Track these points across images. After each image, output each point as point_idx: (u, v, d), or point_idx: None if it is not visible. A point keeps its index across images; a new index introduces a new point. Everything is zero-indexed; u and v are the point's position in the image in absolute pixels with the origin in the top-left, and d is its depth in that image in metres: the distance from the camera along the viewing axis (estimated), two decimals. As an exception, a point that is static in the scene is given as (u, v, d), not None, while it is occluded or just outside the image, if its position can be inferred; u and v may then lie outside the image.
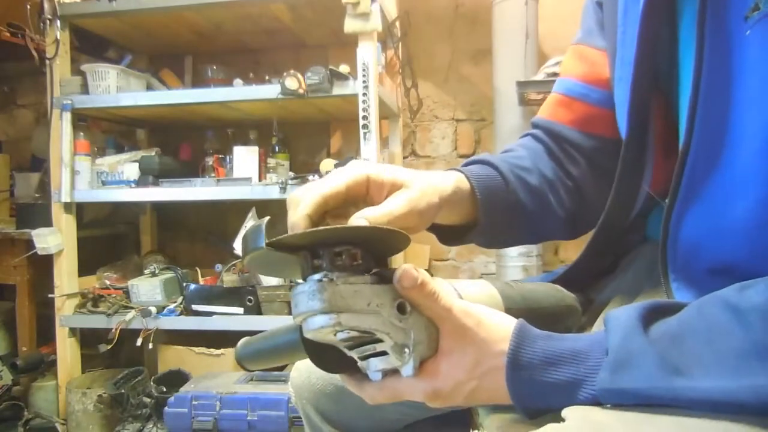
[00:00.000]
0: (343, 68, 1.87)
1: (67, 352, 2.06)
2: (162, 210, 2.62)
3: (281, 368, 1.82)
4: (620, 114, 0.64)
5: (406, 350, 0.46)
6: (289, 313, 1.74)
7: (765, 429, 0.39)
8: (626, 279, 0.67)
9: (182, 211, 2.61)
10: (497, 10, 2.15)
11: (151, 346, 1.98)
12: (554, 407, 0.46)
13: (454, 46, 2.46)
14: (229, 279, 2.00)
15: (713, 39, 0.49)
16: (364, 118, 1.84)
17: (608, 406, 0.43)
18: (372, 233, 0.47)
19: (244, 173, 2.07)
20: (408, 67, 2.40)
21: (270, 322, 1.86)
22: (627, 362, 0.43)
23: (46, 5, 1.98)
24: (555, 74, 1.81)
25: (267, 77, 2.12)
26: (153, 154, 2.17)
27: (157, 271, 2.15)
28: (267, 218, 0.46)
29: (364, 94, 1.83)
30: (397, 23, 2.28)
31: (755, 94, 0.47)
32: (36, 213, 2.13)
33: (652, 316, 0.45)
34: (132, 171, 2.11)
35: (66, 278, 2.05)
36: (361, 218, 0.49)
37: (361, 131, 1.85)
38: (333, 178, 0.51)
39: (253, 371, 1.79)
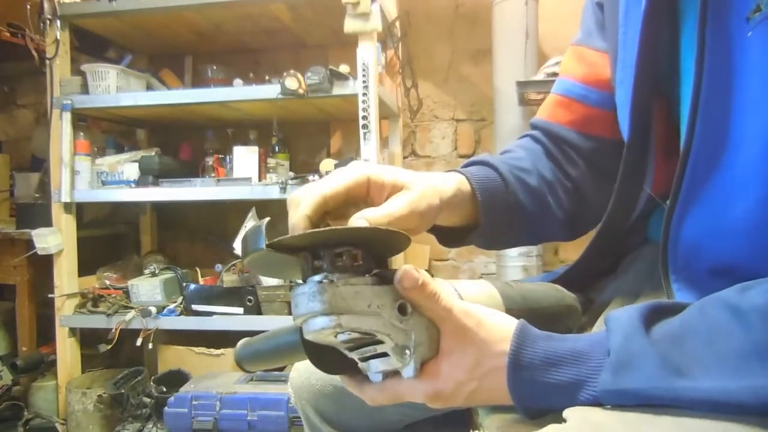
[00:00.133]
0: (343, 68, 1.87)
1: (67, 352, 2.06)
2: (162, 210, 2.62)
3: (281, 368, 1.82)
4: (622, 116, 0.64)
5: (407, 352, 0.46)
6: (289, 313, 1.73)
7: (765, 429, 0.39)
8: (627, 280, 0.67)
9: (182, 211, 2.61)
10: (497, 10, 2.15)
11: (151, 346, 1.98)
12: (555, 408, 0.46)
13: (454, 46, 2.45)
14: (229, 279, 2.00)
15: (714, 40, 0.49)
16: (364, 118, 1.83)
17: (608, 406, 0.43)
18: (372, 234, 0.47)
19: (244, 173, 2.07)
20: (408, 67, 2.40)
21: (270, 322, 1.86)
22: (628, 363, 0.43)
23: (46, 5, 1.98)
24: (555, 74, 1.80)
25: (267, 77, 2.12)
26: (153, 154, 2.17)
27: (157, 271, 2.15)
28: (267, 219, 0.46)
29: (364, 94, 1.83)
30: (397, 23, 2.27)
31: (756, 95, 0.47)
32: (36, 213, 2.13)
33: (653, 316, 0.45)
34: (132, 171, 2.11)
35: (66, 278, 2.05)
36: (361, 219, 0.49)
37: (361, 131, 1.84)
38: (333, 179, 0.51)
39: (253, 372, 1.79)
